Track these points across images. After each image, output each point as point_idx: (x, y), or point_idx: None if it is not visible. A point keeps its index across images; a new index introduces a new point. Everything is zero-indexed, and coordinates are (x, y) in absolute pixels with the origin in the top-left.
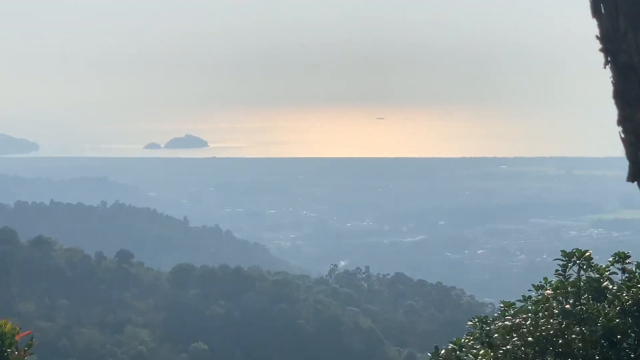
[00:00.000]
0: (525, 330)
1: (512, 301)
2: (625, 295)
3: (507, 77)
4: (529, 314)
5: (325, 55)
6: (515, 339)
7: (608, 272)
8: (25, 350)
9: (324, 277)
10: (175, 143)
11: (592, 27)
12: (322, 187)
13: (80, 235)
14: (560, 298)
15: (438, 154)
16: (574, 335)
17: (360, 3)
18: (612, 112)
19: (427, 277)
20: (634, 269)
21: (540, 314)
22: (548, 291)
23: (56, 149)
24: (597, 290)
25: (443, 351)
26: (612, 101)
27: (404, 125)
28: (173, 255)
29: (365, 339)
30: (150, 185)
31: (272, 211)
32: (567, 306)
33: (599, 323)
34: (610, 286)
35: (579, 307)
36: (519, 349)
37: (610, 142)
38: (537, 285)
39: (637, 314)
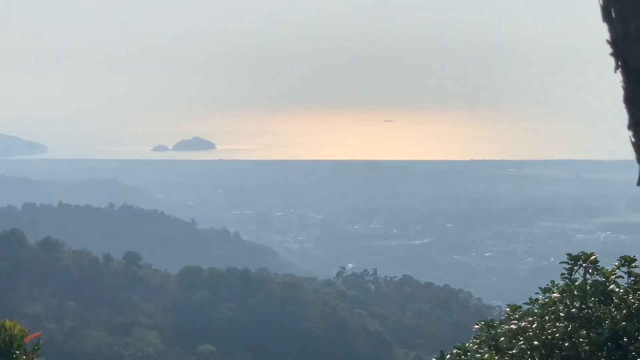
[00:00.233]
0: (531, 333)
1: (518, 304)
2: (632, 299)
3: (516, 80)
4: (535, 317)
5: (333, 58)
6: (522, 342)
7: (614, 276)
8: (33, 352)
9: (332, 279)
10: (183, 145)
11: (602, 31)
12: (329, 189)
13: (88, 237)
14: (567, 301)
15: (446, 156)
16: (580, 339)
17: (369, 6)
18: (622, 116)
19: (434, 279)
20: None
21: (547, 317)
22: (555, 294)
23: (64, 151)
24: (603, 294)
25: (448, 356)
26: (622, 105)
27: (412, 128)
28: (181, 258)
29: (372, 342)
30: (158, 188)
31: (279, 213)
32: (574, 310)
33: (605, 326)
34: (617, 289)
35: (585, 310)
36: (525, 352)
37: (619, 146)
38: (544, 288)
39: None
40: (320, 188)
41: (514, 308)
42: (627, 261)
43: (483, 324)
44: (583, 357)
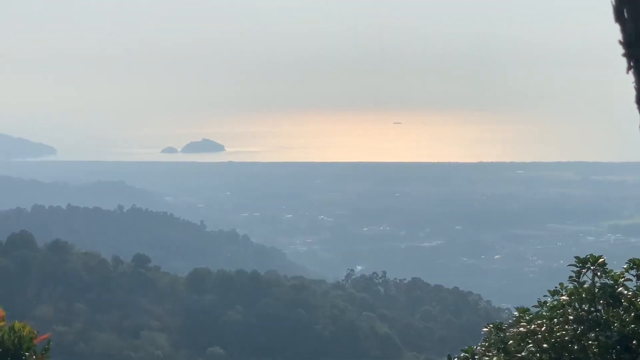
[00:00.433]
0: (540, 336)
1: (526, 307)
2: None
3: (525, 82)
4: (544, 320)
5: (342, 60)
6: (531, 345)
7: (623, 279)
8: (43, 354)
9: (341, 282)
10: (192, 147)
11: (614, 31)
12: (338, 191)
13: (97, 239)
14: (576, 304)
15: (455, 158)
16: (589, 342)
17: (378, 7)
18: (632, 117)
19: (443, 282)
20: None
21: (556, 320)
22: (563, 297)
23: (73, 153)
24: (612, 296)
25: (455, 359)
26: (633, 106)
27: (421, 130)
28: (190, 260)
29: (381, 345)
30: (167, 190)
31: (289, 216)
32: (582, 313)
33: (614, 329)
34: (625, 292)
35: (594, 313)
36: (535, 355)
37: (629, 148)
38: (553, 290)
39: None
40: (329, 190)
41: (522, 311)
42: (635, 264)
43: (492, 327)
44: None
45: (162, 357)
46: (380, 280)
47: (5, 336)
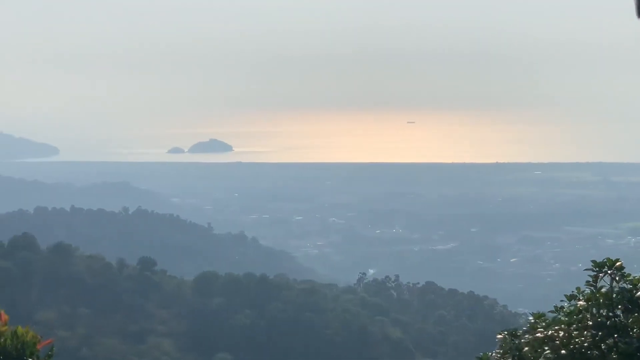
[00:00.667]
0: (558, 342)
1: (542, 312)
2: None
3: (543, 82)
4: (562, 326)
5: (354, 58)
6: (548, 351)
7: None
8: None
9: (352, 286)
10: (199, 147)
11: (635, 30)
12: (350, 193)
13: (101, 242)
14: (594, 310)
15: (470, 159)
16: (609, 348)
17: (392, 6)
18: None
19: (458, 286)
20: None
21: (574, 325)
22: (581, 302)
23: (77, 154)
24: (630, 301)
25: None
26: None
27: (436, 130)
28: (197, 263)
29: (394, 350)
30: (173, 191)
31: (298, 218)
32: (600, 318)
33: (634, 335)
34: None
35: (613, 318)
36: None
37: None
38: (570, 295)
39: None
40: (340, 191)
41: (538, 316)
42: None
43: (506, 334)
44: None
45: None
46: (392, 284)
47: (8, 341)
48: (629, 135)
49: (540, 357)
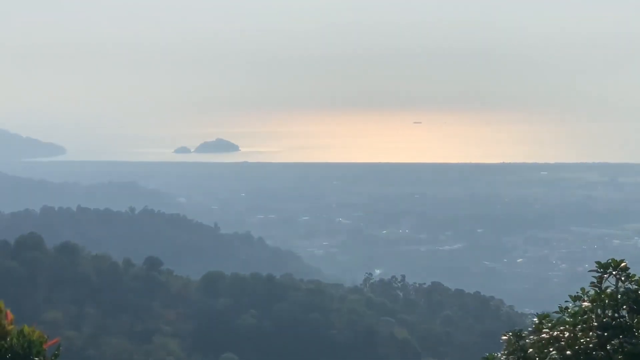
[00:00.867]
0: (563, 343)
1: (546, 313)
2: None
3: (549, 81)
4: (567, 326)
5: (360, 58)
6: (553, 352)
7: None
8: (52, 359)
9: (359, 286)
10: (206, 147)
11: None
12: (356, 193)
13: (108, 241)
14: (599, 310)
15: (477, 159)
16: (614, 349)
17: (398, 7)
18: None
19: (464, 286)
20: None
21: (579, 326)
22: (586, 303)
23: (83, 153)
24: (635, 302)
25: None
26: None
27: (442, 130)
28: (203, 263)
29: (400, 350)
30: (180, 191)
31: (305, 218)
32: (606, 319)
33: (639, 335)
34: None
35: (618, 319)
36: None
37: None
38: (574, 296)
39: None
40: (347, 191)
41: (542, 317)
42: None
43: (510, 335)
44: None
45: None
46: (399, 285)
47: (15, 341)
48: (636, 135)
49: (546, 358)
